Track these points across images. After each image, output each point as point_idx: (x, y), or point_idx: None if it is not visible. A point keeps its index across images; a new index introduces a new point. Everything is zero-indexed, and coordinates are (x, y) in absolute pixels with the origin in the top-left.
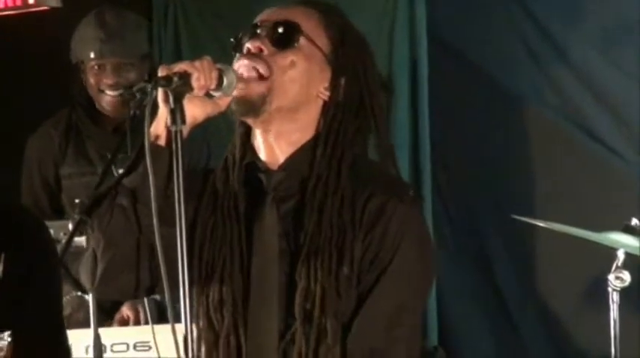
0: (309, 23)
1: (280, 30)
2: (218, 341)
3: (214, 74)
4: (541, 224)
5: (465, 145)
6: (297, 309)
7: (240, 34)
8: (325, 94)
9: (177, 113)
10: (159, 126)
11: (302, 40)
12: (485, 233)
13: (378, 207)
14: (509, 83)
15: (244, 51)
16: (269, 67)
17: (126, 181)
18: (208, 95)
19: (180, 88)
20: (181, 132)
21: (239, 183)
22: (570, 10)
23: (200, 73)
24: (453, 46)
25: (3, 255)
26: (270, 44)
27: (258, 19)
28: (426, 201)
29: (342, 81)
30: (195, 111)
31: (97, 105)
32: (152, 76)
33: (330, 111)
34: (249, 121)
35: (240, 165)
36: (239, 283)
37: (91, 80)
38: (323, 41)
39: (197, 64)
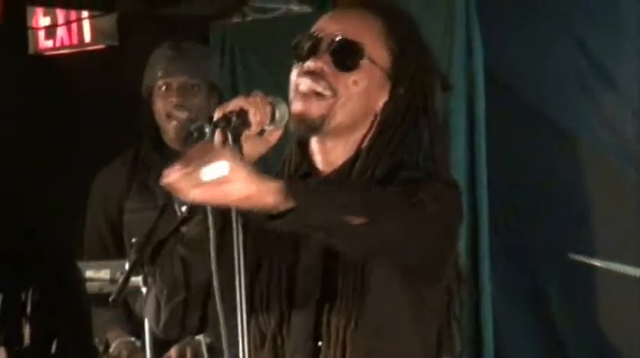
0: (371, 38)
1: (343, 51)
2: (264, 342)
3: (268, 108)
4: (598, 264)
5: (521, 183)
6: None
7: (300, 42)
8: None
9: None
10: None
11: (365, 61)
12: (542, 271)
13: (409, 177)
14: (564, 120)
15: (305, 68)
16: (331, 88)
17: (184, 228)
18: (260, 131)
19: (239, 127)
20: None
21: None
22: (625, 48)
23: (256, 109)
24: (507, 83)
25: (31, 290)
26: (333, 64)
27: (317, 28)
28: (483, 239)
29: (401, 93)
30: (249, 151)
31: (164, 136)
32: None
33: (381, 125)
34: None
35: (295, 175)
36: (284, 294)
37: (159, 104)
38: (384, 56)
39: (251, 99)
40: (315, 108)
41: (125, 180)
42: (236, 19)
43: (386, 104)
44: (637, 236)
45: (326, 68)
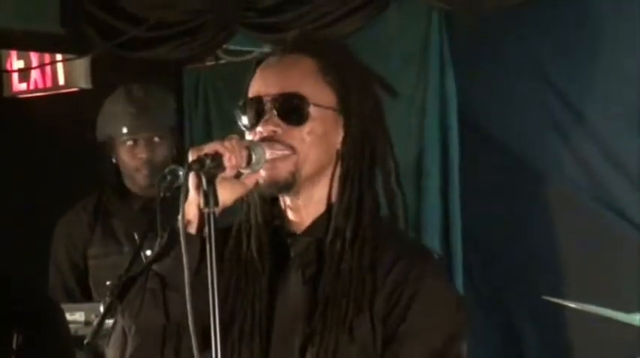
0: (310, 82)
1: (288, 107)
2: None
3: (244, 152)
4: (572, 305)
5: (494, 225)
6: None
7: (244, 110)
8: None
9: (210, 195)
10: (189, 212)
11: (312, 109)
12: (515, 314)
13: (406, 267)
14: (536, 160)
15: (258, 135)
16: (290, 147)
17: (155, 266)
18: (237, 174)
19: (212, 170)
20: (214, 214)
21: (263, 245)
22: (597, 87)
23: (231, 153)
24: (479, 125)
25: (16, 336)
26: (283, 122)
27: (256, 90)
28: (457, 281)
29: (355, 127)
30: (225, 194)
31: (127, 183)
32: (183, 159)
33: (344, 162)
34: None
35: (267, 228)
36: (257, 343)
37: (125, 157)
38: (328, 95)
39: (227, 143)
40: (282, 170)
41: (87, 227)
42: (209, 62)
43: (344, 139)
44: (612, 276)
45: (278, 129)
